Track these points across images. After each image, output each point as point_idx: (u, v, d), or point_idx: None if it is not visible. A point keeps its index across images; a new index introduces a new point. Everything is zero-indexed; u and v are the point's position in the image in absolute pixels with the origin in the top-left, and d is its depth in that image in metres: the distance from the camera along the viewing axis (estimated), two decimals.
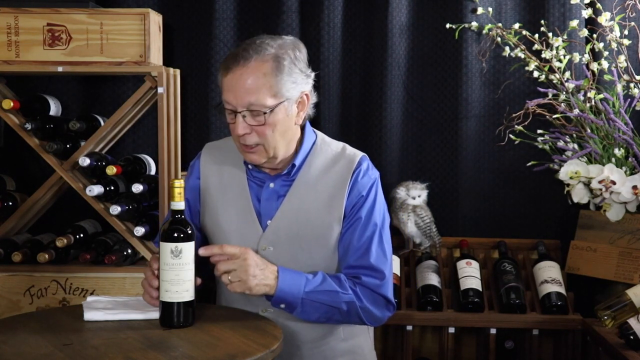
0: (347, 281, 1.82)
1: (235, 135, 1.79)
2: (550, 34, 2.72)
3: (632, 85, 2.65)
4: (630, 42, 2.65)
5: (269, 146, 1.80)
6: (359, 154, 1.92)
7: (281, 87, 1.76)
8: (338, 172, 1.87)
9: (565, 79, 2.68)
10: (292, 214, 1.85)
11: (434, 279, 2.58)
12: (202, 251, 1.73)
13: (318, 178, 1.87)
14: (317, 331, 1.88)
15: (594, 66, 2.69)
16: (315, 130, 1.96)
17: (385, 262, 1.86)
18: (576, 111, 2.62)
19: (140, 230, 2.47)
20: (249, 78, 1.73)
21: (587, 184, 2.59)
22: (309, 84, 1.84)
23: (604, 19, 2.63)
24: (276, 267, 1.77)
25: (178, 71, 2.64)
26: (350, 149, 1.93)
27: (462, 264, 2.62)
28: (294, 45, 1.81)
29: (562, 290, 2.54)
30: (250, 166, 1.89)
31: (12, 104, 2.50)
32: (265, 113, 1.75)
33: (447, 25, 2.78)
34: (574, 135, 2.68)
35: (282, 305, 1.78)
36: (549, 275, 2.57)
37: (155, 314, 1.70)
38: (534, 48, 2.74)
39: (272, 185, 1.87)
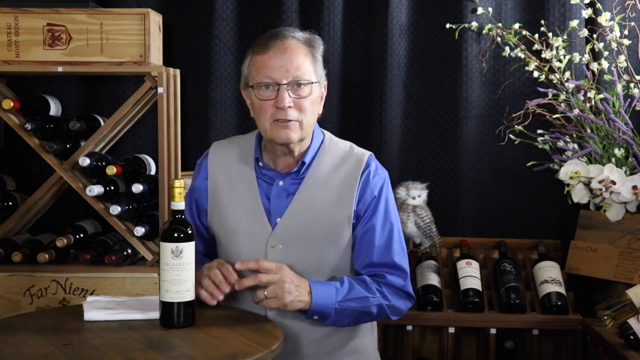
0: (373, 283, 1.84)
1: (275, 110, 1.79)
2: (550, 34, 2.72)
3: (632, 85, 2.65)
4: (630, 42, 2.65)
5: (306, 122, 1.81)
6: (367, 153, 1.94)
7: (317, 67, 1.84)
8: (347, 171, 1.88)
9: (565, 79, 2.68)
10: (302, 212, 1.85)
11: (434, 279, 2.58)
12: (239, 265, 1.75)
13: (327, 176, 1.88)
14: (321, 330, 1.88)
15: (594, 66, 2.69)
16: (322, 130, 1.97)
17: (405, 258, 1.91)
18: (576, 111, 2.62)
19: (140, 230, 2.47)
20: (294, 52, 1.79)
21: (587, 184, 2.59)
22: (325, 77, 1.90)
23: (604, 19, 2.63)
24: (307, 281, 1.79)
25: (178, 71, 2.64)
26: (357, 148, 1.95)
27: (462, 264, 2.62)
28: (316, 37, 1.88)
29: (562, 290, 2.54)
30: (260, 163, 1.90)
31: (12, 104, 2.50)
32: (312, 83, 1.80)
33: (447, 25, 2.78)
34: (574, 135, 2.68)
35: (315, 317, 1.80)
36: (549, 275, 2.57)
37: (155, 314, 1.70)
38: (534, 48, 2.74)
39: (281, 183, 1.88)
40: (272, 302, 1.74)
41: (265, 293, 1.73)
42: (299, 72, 1.78)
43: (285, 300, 1.73)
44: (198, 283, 1.73)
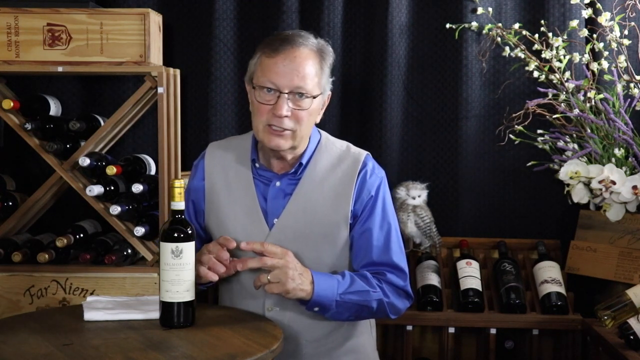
0: (373, 278, 1.85)
1: (271, 116, 1.79)
2: (550, 34, 2.72)
3: (632, 85, 2.65)
4: (630, 42, 2.65)
5: (300, 133, 1.81)
6: (364, 152, 1.94)
7: (322, 79, 1.83)
8: (344, 171, 1.89)
9: (565, 79, 2.68)
10: (299, 213, 1.86)
11: (434, 279, 2.58)
12: (244, 245, 1.75)
13: (324, 176, 1.88)
14: (320, 330, 1.89)
15: (594, 66, 2.69)
16: (319, 129, 1.97)
17: (403, 258, 1.92)
18: (576, 111, 2.62)
19: (140, 230, 2.47)
20: (302, 62, 1.78)
21: (587, 184, 2.59)
22: (330, 86, 1.90)
23: (604, 19, 2.63)
24: (310, 271, 1.79)
25: (178, 71, 2.64)
26: (354, 148, 1.96)
27: (462, 264, 2.62)
28: (328, 46, 1.88)
29: (562, 290, 2.54)
30: (257, 164, 1.90)
31: (12, 104, 2.50)
32: (314, 97, 1.80)
33: (447, 25, 2.78)
34: (574, 135, 2.68)
35: (316, 309, 1.80)
36: (549, 275, 2.57)
37: (155, 314, 1.70)
38: (534, 48, 2.74)
39: (278, 183, 1.88)
40: (274, 287, 1.73)
41: (268, 277, 1.73)
42: (303, 83, 1.78)
43: (287, 286, 1.72)
44: (198, 262, 1.73)
